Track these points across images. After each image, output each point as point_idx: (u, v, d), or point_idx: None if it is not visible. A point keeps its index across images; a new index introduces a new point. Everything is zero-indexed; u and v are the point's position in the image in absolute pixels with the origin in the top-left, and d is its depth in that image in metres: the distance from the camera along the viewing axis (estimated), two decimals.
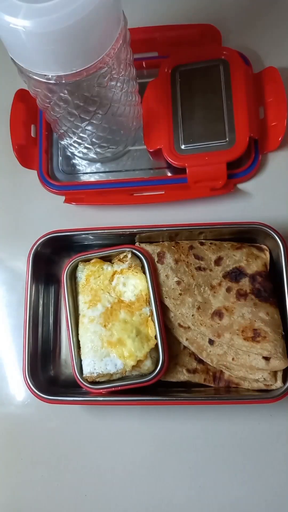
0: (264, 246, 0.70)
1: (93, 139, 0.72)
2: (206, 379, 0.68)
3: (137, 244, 0.72)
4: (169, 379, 0.67)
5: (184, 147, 0.76)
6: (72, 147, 0.77)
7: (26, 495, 0.73)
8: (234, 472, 0.70)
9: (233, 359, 0.65)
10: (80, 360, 0.66)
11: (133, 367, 0.65)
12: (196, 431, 0.72)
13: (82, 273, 0.69)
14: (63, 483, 0.73)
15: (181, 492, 0.70)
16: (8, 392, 0.77)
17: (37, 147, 0.82)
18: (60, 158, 0.84)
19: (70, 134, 0.71)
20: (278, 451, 0.70)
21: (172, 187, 0.78)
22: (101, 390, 0.65)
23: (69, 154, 0.83)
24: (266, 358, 0.63)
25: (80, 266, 0.70)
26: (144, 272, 0.68)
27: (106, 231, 0.70)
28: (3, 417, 0.76)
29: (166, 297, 0.68)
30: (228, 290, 0.67)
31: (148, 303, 0.67)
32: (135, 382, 0.65)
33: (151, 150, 0.78)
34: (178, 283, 0.67)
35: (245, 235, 0.72)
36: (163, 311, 0.68)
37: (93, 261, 0.70)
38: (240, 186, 0.79)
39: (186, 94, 0.77)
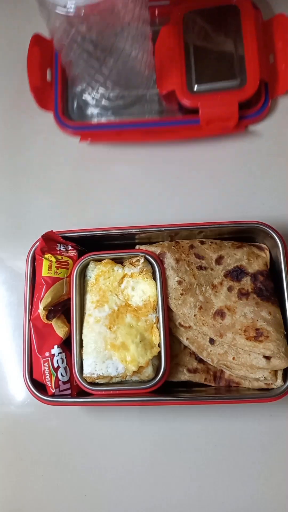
0: (264, 245, 0.70)
1: (107, 84, 0.73)
2: (207, 379, 0.68)
3: (139, 247, 0.71)
4: (170, 379, 0.67)
5: (197, 88, 0.77)
6: (85, 93, 0.79)
7: (26, 495, 0.73)
8: (234, 472, 0.70)
9: (233, 358, 0.65)
10: (81, 360, 0.66)
11: (134, 372, 0.64)
12: (196, 431, 0.72)
13: (93, 272, 0.69)
14: (63, 483, 0.73)
15: (180, 492, 0.70)
16: (8, 392, 0.77)
17: (53, 89, 0.84)
18: (75, 104, 0.86)
19: (85, 76, 0.72)
20: (278, 450, 0.70)
21: (185, 127, 0.79)
22: (99, 392, 0.65)
23: (81, 104, 0.85)
24: (267, 357, 0.63)
25: (91, 265, 0.69)
26: (155, 279, 0.68)
27: (105, 232, 0.70)
28: (3, 417, 0.76)
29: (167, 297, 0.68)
30: (230, 289, 0.67)
31: (154, 310, 0.67)
32: (134, 388, 0.65)
33: (164, 93, 0.79)
34: (180, 282, 0.67)
35: (245, 234, 0.72)
36: (169, 319, 0.68)
37: (104, 261, 0.69)
38: (251, 128, 0.81)
39: (198, 38, 0.79)
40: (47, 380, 0.66)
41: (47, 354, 0.66)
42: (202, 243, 0.70)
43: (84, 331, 0.67)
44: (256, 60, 0.76)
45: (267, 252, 0.69)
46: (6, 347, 0.78)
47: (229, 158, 0.80)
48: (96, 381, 0.65)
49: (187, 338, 0.67)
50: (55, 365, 0.66)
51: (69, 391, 0.67)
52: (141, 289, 0.68)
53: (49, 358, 0.66)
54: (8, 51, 0.90)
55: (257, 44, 0.76)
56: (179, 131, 0.80)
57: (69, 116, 0.84)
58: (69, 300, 0.68)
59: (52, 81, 0.84)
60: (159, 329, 0.66)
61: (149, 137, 0.81)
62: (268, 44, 0.79)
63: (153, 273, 0.68)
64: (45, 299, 0.66)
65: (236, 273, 0.67)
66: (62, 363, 0.66)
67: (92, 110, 0.84)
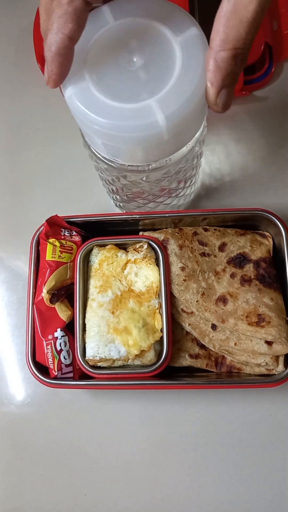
0: (267, 233, 0.70)
1: None
2: (208, 364, 0.68)
3: (142, 233, 0.72)
4: (171, 364, 0.67)
5: None
6: None
7: (26, 494, 0.72)
8: (234, 460, 0.70)
9: (235, 344, 0.65)
10: (84, 343, 0.66)
11: (136, 356, 0.64)
12: (197, 415, 0.72)
13: (96, 258, 0.69)
14: (63, 482, 0.72)
15: (181, 476, 0.70)
16: (8, 392, 0.77)
17: None
18: None
19: None
20: (279, 437, 0.70)
21: None
22: (102, 376, 0.65)
23: None
24: (269, 343, 0.63)
25: (95, 250, 0.70)
26: (158, 265, 0.68)
27: (108, 217, 0.70)
28: (3, 417, 0.76)
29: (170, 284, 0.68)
30: (232, 276, 0.67)
31: (157, 296, 0.67)
32: (136, 372, 0.65)
33: None
34: (183, 269, 0.67)
35: (248, 222, 0.72)
36: (172, 305, 0.68)
37: (108, 247, 0.70)
38: (256, 93, 0.83)
39: (200, 5, 0.79)
40: (49, 362, 0.66)
41: (50, 337, 0.66)
42: (206, 230, 0.70)
43: (87, 315, 0.67)
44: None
45: (270, 240, 0.70)
46: (6, 347, 0.78)
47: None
48: (98, 364, 0.65)
49: (189, 324, 0.67)
50: (58, 348, 0.66)
51: (71, 374, 0.67)
52: (144, 275, 0.68)
53: (52, 341, 0.66)
54: (13, 20, 0.93)
55: None
56: None
57: None
58: (72, 284, 0.68)
59: None
60: (161, 315, 0.66)
61: None
62: (271, 11, 0.81)
63: (156, 259, 0.69)
64: (49, 282, 0.67)
65: (239, 260, 0.68)
66: (65, 346, 0.66)
67: None
